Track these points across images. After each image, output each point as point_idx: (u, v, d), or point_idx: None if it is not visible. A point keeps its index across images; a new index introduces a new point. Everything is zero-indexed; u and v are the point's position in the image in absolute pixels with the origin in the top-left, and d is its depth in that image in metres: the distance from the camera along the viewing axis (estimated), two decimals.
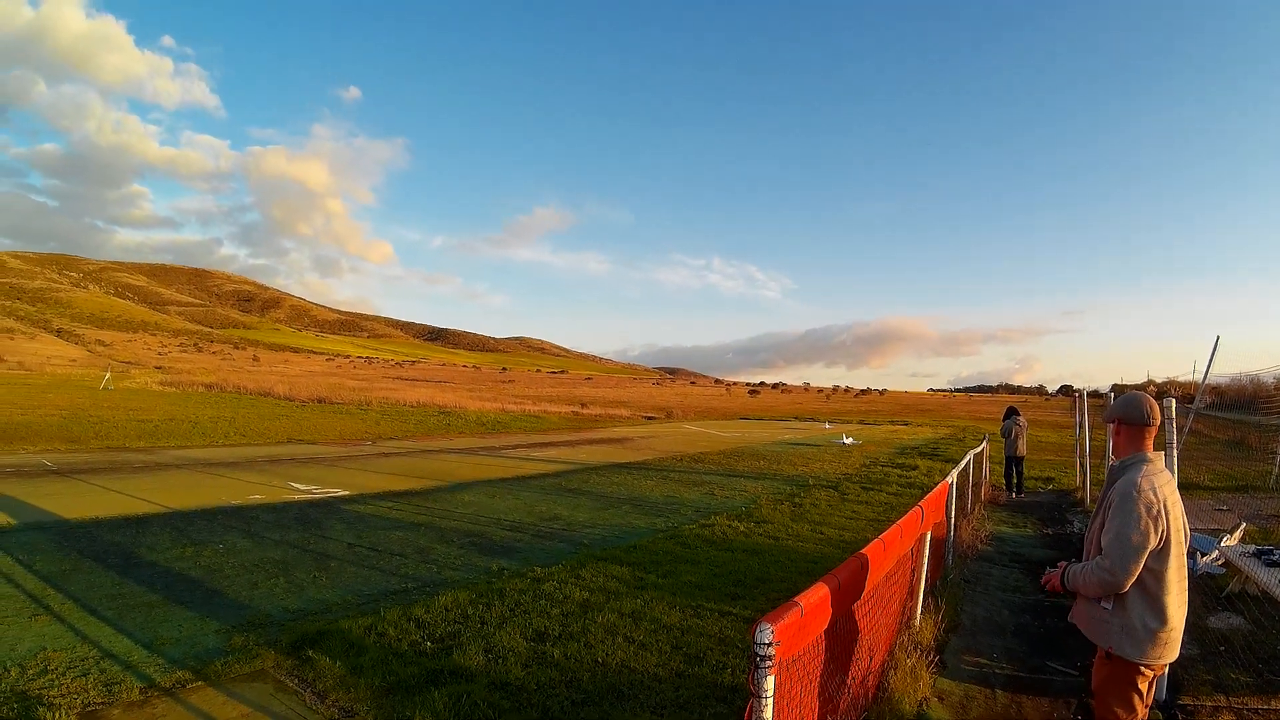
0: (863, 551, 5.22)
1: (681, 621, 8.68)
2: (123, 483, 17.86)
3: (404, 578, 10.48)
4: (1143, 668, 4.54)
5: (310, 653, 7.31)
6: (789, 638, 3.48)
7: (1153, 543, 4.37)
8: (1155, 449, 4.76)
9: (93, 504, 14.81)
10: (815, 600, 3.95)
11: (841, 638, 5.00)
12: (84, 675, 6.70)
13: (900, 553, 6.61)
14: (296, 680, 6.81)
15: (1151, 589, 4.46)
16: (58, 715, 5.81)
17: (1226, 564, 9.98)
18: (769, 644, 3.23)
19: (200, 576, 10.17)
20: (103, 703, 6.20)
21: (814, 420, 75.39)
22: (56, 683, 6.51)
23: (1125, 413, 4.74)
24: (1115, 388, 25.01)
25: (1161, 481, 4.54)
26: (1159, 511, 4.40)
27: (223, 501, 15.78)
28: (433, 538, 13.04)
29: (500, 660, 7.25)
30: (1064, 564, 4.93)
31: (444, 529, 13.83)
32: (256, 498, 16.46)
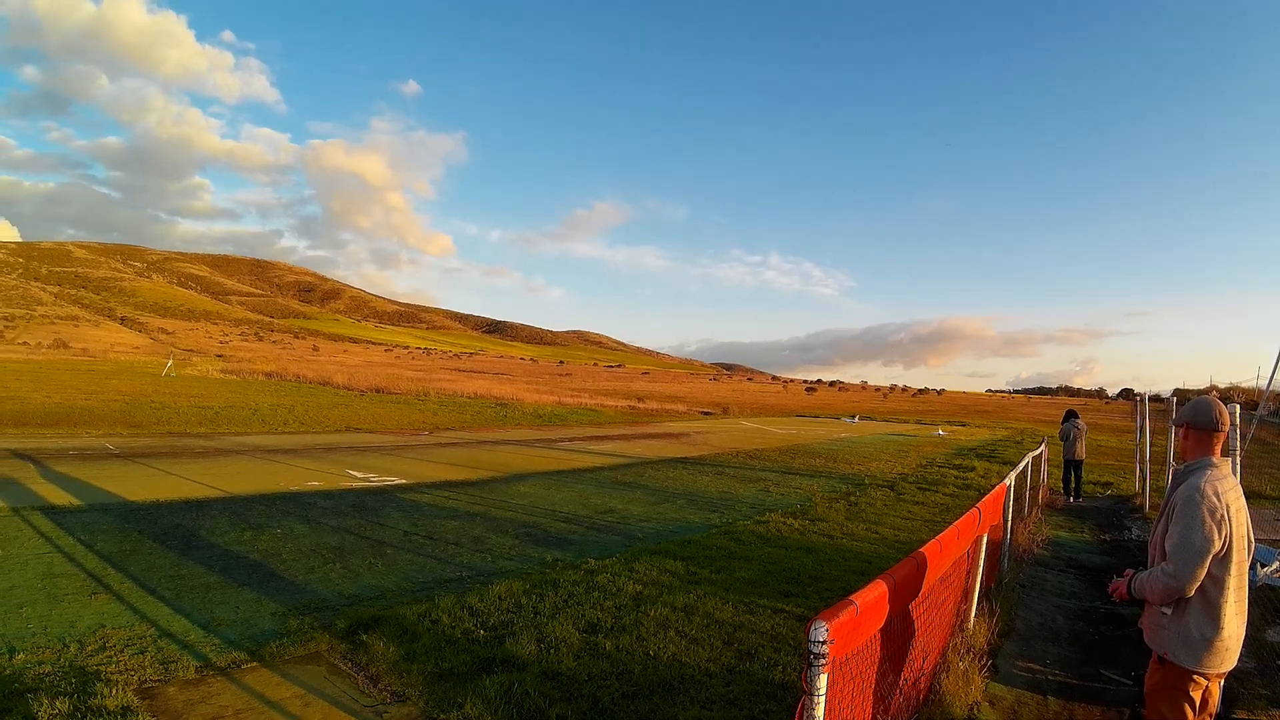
0: (920, 551, 5.16)
1: (734, 617, 8.65)
2: (183, 467, 18.11)
3: (459, 566, 10.54)
4: (1196, 676, 4.46)
5: (364, 637, 7.37)
6: (843, 636, 3.45)
7: (1216, 547, 4.29)
8: (1222, 455, 4.67)
9: (154, 487, 15.02)
10: (871, 599, 3.91)
11: (895, 638, 4.95)
12: (141, 653, 6.81)
13: (956, 554, 6.53)
14: (350, 664, 6.88)
15: (1211, 596, 4.39)
16: (114, 691, 5.87)
17: None
18: (823, 642, 3.21)
19: (258, 560, 10.29)
20: (159, 680, 6.29)
21: (870, 418, 75.04)
22: (114, 659, 6.61)
23: (1194, 417, 4.64)
24: (1177, 392, 24.61)
25: (1226, 487, 4.45)
26: (1222, 516, 4.32)
27: (281, 488, 15.95)
28: (488, 528, 13.11)
29: (552, 650, 7.27)
30: (1130, 572, 4.84)
31: (499, 519, 13.89)
32: (314, 484, 16.60)
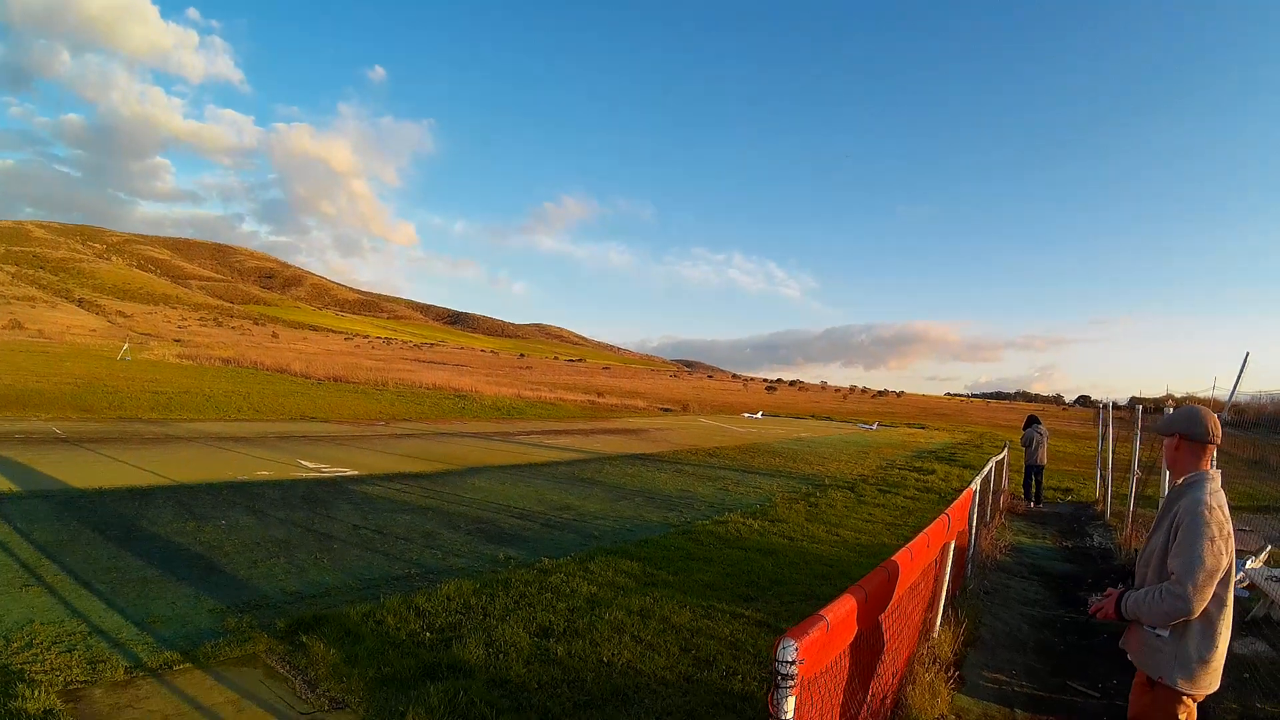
0: (891, 560, 5.00)
1: (692, 622, 8.44)
2: (131, 454, 17.71)
3: (407, 563, 10.28)
4: (1186, 698, 4.31)
5: (305, 638, 7.08)
6: (813, 655, 3.22)
7: (1224, 565, 4.13)
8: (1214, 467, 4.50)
9: (98, 474, 14.65)
10: (842, 614, 3.71)
11: (864, 652, 4.73)
12: (69, 651, 6.51)
13: (926, 562, 6.36)
14: (288, 666, 6.59)
15: (1213, 617, 4.23)
16: (37, 693, 5.59)
17: (1251, 587, 9.71)
18: (792, 662, 2.97)
19: (200, 553, 9.97)
20: (85, 681, 6.00)
21: (830, 419, 75.72)
22: (40, 658, 6.32)
23: (1188, 428, 4.47)
24: (1134, 400, 24.77)
25: (1222, 500, 4.31)
26: (1228, 532, 4.18)
27: (229, 477, 15.59)
28: (440, 523, 12.85)
29: (501, 655, 7.02)
30: (1114, 591, 4.64)
31: (452, 514, 13.64)
32: (264, 474, 16.26)
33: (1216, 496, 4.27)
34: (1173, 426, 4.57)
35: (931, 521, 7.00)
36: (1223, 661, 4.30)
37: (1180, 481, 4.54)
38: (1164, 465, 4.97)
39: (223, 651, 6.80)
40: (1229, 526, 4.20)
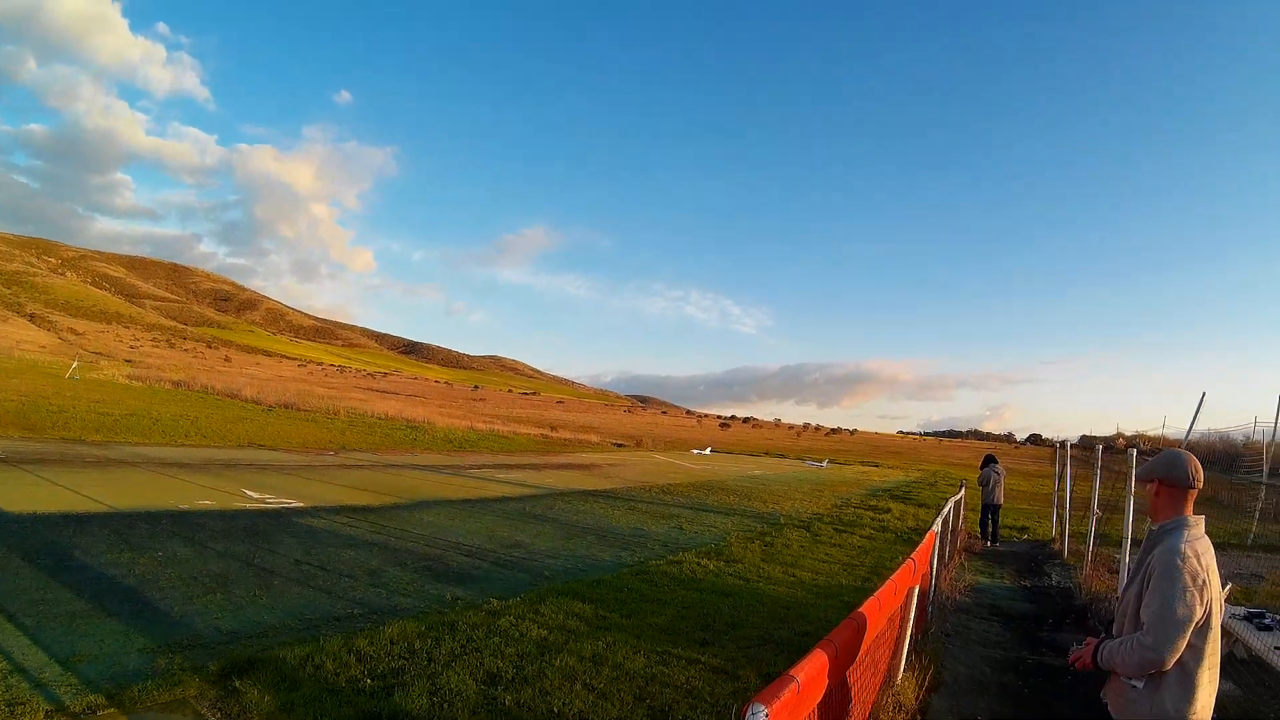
0: (860, 610, 4.79)
1: (646, 669, 8.12)
2: (71, 476, 17.26)
3: (351, 602, 9.91)
4: None
5: (238, 683, 6.69)
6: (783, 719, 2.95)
7: (1197, 615, 3.93)
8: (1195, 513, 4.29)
9: (34, 497, 14.24)
10: (812, 673, 3.49)
11: (832, 708, 4.47)
12: None
13: (892, 609, 6.14)
14: (219, 714, 6.19)
15: (1189, 667, 4.01)
16: None
17: None
18: None
19: (133, 586, 9.55)
20: None
21: (783, 456, 76.01)
22: None
23: (1168, 473, 4.27)
24: (1084, 438, 24.92)
25: (1203, 548, 4.11)
26: (1204, 581, 3.97)
27: (170, 505, 15.15)
28: (386, 559, 12.49)
29: (446, 705, 6.67)
30: (1093, 640, 4.44)
31: (399, 550, 13.28)
32: (206, 503, 15.83)
33: (1194, 545, 4.10)
34: (1152, 473, 4.40)
35: (891, 563, 6.83)
36: (1206, 713, 4.09)
37: (1156, 527, 4.38)
38: (1132, 508, 4.78)
39: (150, 695, 6.39)
40: (1205, 575, 4.00)
